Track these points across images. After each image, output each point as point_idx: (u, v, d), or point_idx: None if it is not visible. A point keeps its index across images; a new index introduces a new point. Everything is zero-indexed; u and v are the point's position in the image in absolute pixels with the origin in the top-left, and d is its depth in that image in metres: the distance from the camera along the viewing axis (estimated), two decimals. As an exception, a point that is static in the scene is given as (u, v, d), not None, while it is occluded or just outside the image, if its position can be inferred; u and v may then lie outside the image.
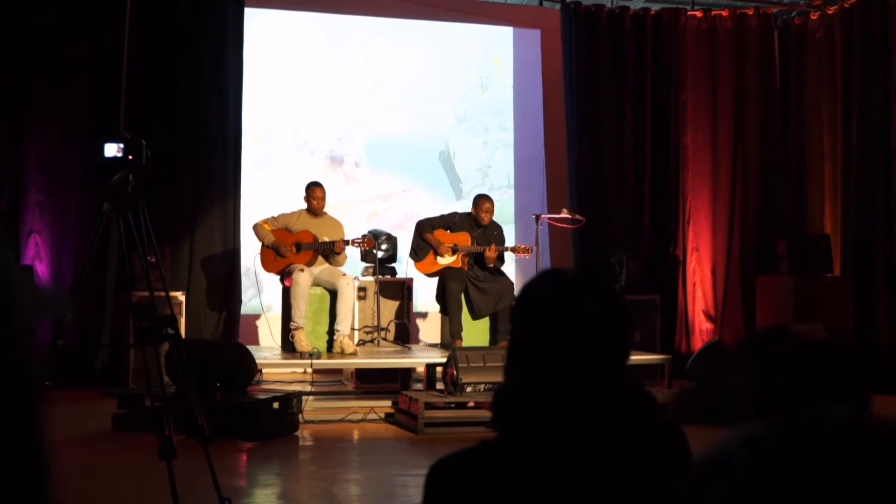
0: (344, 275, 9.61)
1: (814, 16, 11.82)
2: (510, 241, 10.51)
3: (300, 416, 8.21)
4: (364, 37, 12.12)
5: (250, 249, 10.12)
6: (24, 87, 9.73)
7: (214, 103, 10.34)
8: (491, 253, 9.74)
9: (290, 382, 9.71)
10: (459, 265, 9.86)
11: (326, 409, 8.84)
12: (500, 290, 9.82)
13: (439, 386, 8.84)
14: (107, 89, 9.84)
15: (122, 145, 4.53)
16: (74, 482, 5.40)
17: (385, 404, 8.87)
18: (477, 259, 9.90)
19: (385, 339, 10.09)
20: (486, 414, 8.07)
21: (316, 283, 9.60)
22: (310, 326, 9.55)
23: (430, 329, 11.13)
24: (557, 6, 11.86)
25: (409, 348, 10.07)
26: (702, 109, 11.84)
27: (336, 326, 9.45)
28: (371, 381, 9.39)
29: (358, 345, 9.68)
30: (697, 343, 11.20)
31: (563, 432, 1.68)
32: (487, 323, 9.97)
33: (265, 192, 11.15)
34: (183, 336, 5.22)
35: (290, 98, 11.82)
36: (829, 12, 11.62)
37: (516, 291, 9.90)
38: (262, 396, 8.02)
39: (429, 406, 8.22)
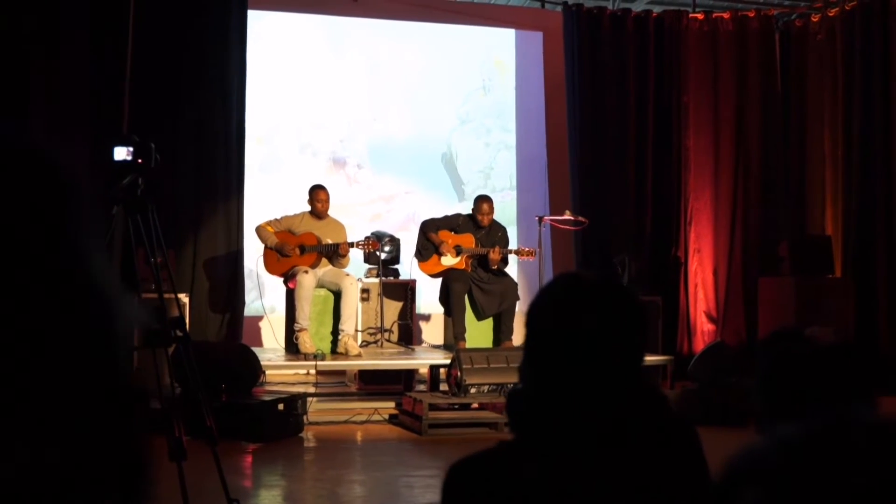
0: (347, 276, 9.63)
1: (815, 18, 11.85)
2: (512, 242, 10.52)
3: (305, 417, 8.24)
4: (366, 39, 12.15)
5: (253, 251, 10.14)
6: (25, 90, 9.73)
7: (218, 105, 10.35)
8: (495, 255, 9.76)
9: (294, 384, 9.74)
10: (463, 266, 9.88)
11: (330, 410, 8.87)
12: (504, 291, 9.84)
13: (443, 387, 8.87)
14: (110, 92, 9.84)
15: (131, 148, 4.56)
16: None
17: (388, 405, 8.90)
18: (480, 260, 9.91)
19: (388, 340, 10.11)
20: (490, 415, 8.15)
21: (320, 285, 9.62)
22: (314, 328, 9.57)
23: (433, 330, 11.15)
24: (559, 8, 11.87)
25: (413, 349, 10.09)
26: (703, 111, 11.86)
27: (340, 328, 9.47)
28: (374, 383, 9.42)
29: (361, 346, 9.70)
30: (699, 344, 11.22)
31: (580, 433, 1.71)
32: (491, 324, 9.99)
33: (268, 194, 11.16)
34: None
35: (292, 100, 11.84)
36: (830, 14, 11.65)
37: (520, 292, 9.98)
38: (267, 398, 8.05)
39: (433, 407, 8.25)
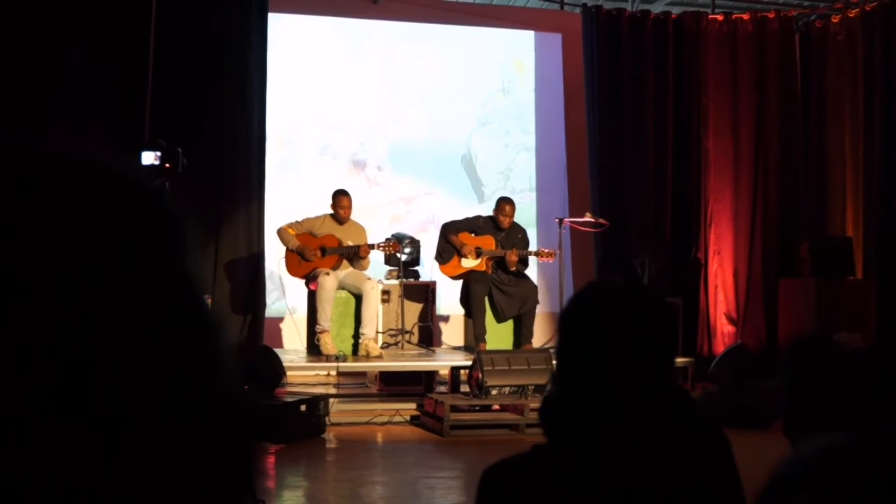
0: (369, 278, 9.67)
1: (835, 19, 11.83)
2: (532, 244, 10.54)
3: (327, 418, 8.28)
4: (385, 41, 12.18)
5: (275, 253, 10.18)
6: (47, 94, 9.77)
7: (238, 108, 10.40)
8: (512, 256, 9.78)
9: (314, 385, 9.78)
10: (483, 268, 9.91)
11: (352, 411, 8.90)
12: (524, 294, 9.86)
13: (464, 389, 8.89)
14: (132, 95, 9.89)
15: (159, 153, 4.61)
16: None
17: (409, 407, 8.92)
18: (500, 262, 9.94)
19: (409, 342, 10.15)
20: (511, 417, 8.18)
21: (341, 287, 9.65)
22: (335, 329, 9.60)
23: (453, 332, 11.17)
24: (578, 10, 11.89)
25: (433, 351, 10.12)
26: (723, 112, 11.85)
27: (361, 330, 9.50)
28: (395, 384, 9.45)
29: (382, 348, 9.73)
30: (719, 346, 11.22)
31: (613, 438, 1.74)
32: (511, 326, 10.01)
33: (288, 196, 11.20)
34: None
35: (312, 102, 11.88)
36: (850, 15, 11.63)
37: (540, 295, 9.99)
38: (289, 399, 8.09)
39: (454, 409, 8.28)
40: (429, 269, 10.49)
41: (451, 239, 9.97)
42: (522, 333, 9.86)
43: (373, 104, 12.08)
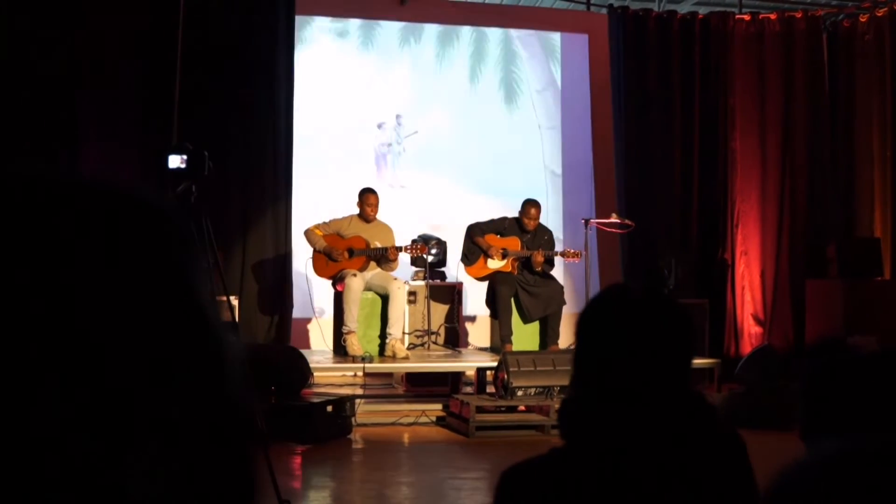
0: (395, 279, 9.69)
1: (863, 18, 11.77)
2: (558, 245, 10.55)
3: (353, 419, 8.32)
4: (412, 41, 12.23)
5: (302, 254, 10.23)
6: (77, 99, 9.86)
7: (266, 110, 10.46)
8: (538, 257, 9.79)
9: (341, 385, 9.83)
10: (509, 269, 9.92)
11: (378, 412, 8.94)
12: (550, 295, 9.87)
13: (489, 389, 8.91)
14: (160, 98, 9.96)
15: (185, 157, 4.66)
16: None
17: (435, 408, 8.95)
18: (526, 263, 9.95)
19: (435, 343, 10.17)
20: (537, 418, 8.19)
21: (368, 288, 9.68)
22: (361, 330, 9.63)
23: (479, 333, 11.19)
24: (605, 11, 11.89)
25: (460, 352, 10.15)
26: (750, 113, 11.81)
27: (388, 330, 9.53)
28: (421, 385, 9.49)
29: (408, 349, 9.77)
30: (746, 347, 11.18)
31: (630, 443, 1.76)
32: (537, 327, 10.02)
33: (314, 197, 11.25)
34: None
35: (338, 102, 11.93)
36: (879, 14, 11.57)
37: (566, 296, 9.99)
38: (316, 400, 8.14)
39: (480, 410, 8.30)
40: (455, 270, 10.51)
41: (476, 240, 9.99)
42: (548, 334, 9.87)
43: (399, 104, 12.12)
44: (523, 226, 9.99)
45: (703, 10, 12.30)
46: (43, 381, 0.63)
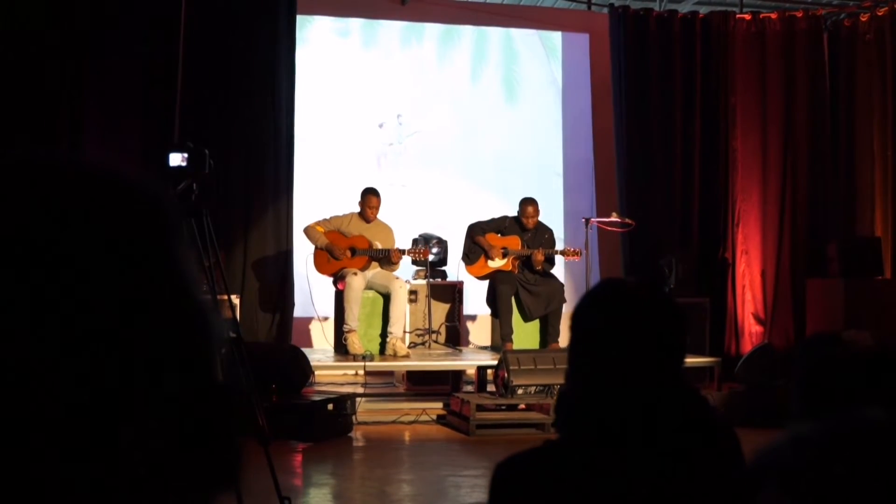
0: (397, 278, 9.71)
1: (863, 17, 11.77)
2: (559, 244, 10.56)
3: (354, 417, 8.33)
4: (413, 40, 12.24)
5: (303, 252, 10.24)
6: (79, 96, 9.86)
7: (267, 109, 10.46)
8: (538, 256, 9.81)
9: (342, 384, 9.83)
10: (510, 268, 9.94)
11: (379, 410, 8.95)
12: (551, 293, 9.88)
13: (490, 388, 8.93)
14: (162, 95, 9.98)
15: (186, 155, 4.67)
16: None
17: (436, 406, 8.96)
18: (527, 262, 9.97)
19: (436, 341, 10.19)
20: (537, 416, 8.19)
21: (368, 287, 9.70)
22: (362, 329, 9.65)
23: (480, 332, 11.21)
24: (606, 10, 11.89)
25: (460, 351, 10.16)
26: (751, 112, 11.81)
27: (389, 329, 9.55)
28: (422, 384, 9.50)
29: (409, 347, 9.78)
30: (747, 346, 11.18)
31: (624, 434, 1.77)
32: (538, 325, 10.04)
33: (315, 196, 11.25)
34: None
35: (339, 102, 11.94)
36: (880, 14, 11.57)
37: (566, 294, 10.00)
38: (316, 398, 8.15)
39: (480, 408, 8.31)
40: (456, 269, 10.52)
41: (477, 240, 10.00)
42: (549, 333, 9.89)
43: (400, 103, 12.13)
44: (523, 225, 10.01)
45: (703, 10, 12.30)
46: (35, 360, 0.64)
